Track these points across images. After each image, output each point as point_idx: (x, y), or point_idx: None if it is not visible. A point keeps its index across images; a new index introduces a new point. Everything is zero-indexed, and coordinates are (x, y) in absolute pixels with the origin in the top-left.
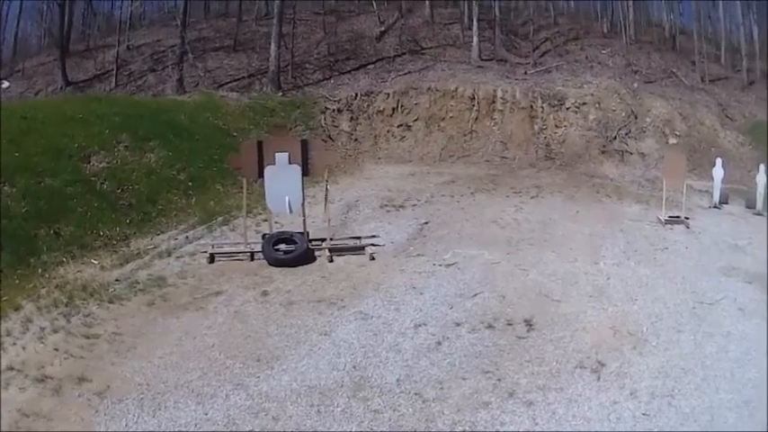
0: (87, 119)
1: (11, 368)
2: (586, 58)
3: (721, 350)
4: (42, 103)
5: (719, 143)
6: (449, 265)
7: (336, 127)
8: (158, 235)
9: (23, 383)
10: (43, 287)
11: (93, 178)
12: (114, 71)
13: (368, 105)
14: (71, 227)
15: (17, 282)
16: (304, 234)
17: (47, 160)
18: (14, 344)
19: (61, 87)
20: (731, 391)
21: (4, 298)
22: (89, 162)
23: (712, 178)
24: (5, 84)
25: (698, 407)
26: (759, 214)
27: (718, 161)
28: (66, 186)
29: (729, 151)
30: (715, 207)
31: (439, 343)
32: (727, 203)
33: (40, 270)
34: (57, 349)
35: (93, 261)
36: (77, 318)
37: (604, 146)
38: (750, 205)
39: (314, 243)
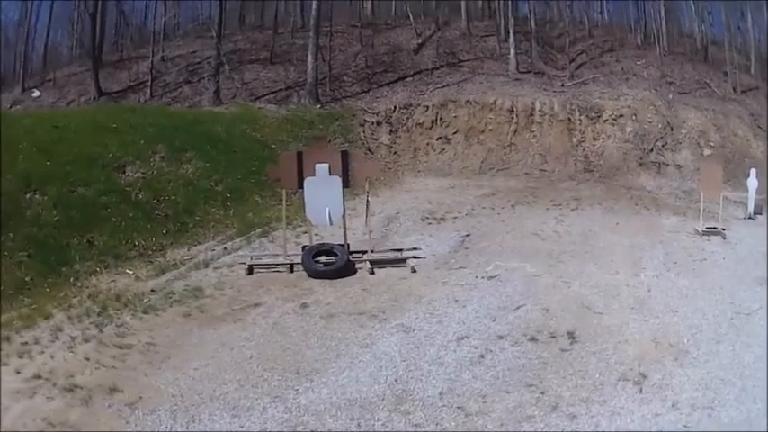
0: (121, 129)
1: (38, 376)
2: (622, 69)
3: (759, 359)
4: (75, 112)
5: (752, 153)
6: (491, 277)
7: (375, 140)
8: (195, 246)
9: (51, 393)
10: (75, 296)
11: (127, 188)
12: (149, 82)
13: (407, 118)
14: (105, 236)
15: (48, 290)
16: (344, 246)
17: (79, 169)
18: (42, 352)
19: (94, 98)
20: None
21: (33, 306)
22: (124, 172)
23: (747, 189)
24: (36, 93)
25: (736, 417)
26: None
27: (753, 171)
28: (99, 196)
29: (762, 161)
30: (750, 218)
31: (482, 356)
32: (761, 214)
33: (71, 279)
34: (87, 359)
35: (127, 271)
36: (110, 327)
37: (641, 158)
38: None
39: (354, 255)
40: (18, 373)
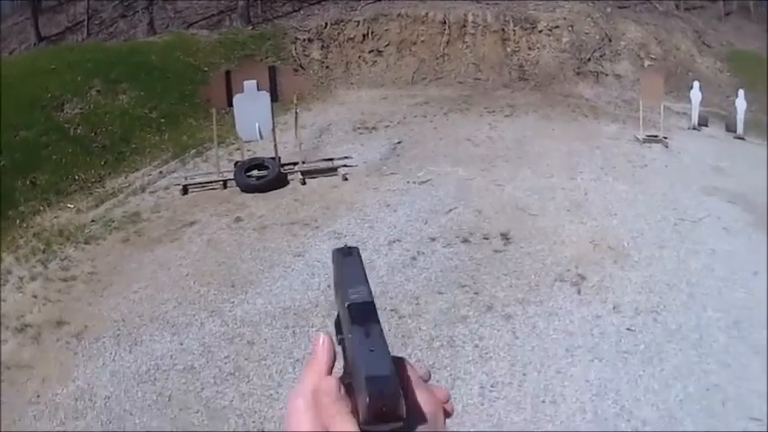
0: (59, 69)
1: None
2: None
3: (706, 268)
4: (16, 59)
5: (696, 69)
6: (423, 182)
7: (308, 56)
8: (133, 173)
9: (5, 335)
10: (21, 237)
11: (66, 125)
12: (85, 21)
13: (338, 33)
14: (46, 175)
15: None
16: (276, 159)
17: (21, 113)
18: None
19: (35, 44)
20: (720, 310)
21: None
22: (62, 110)
23: (690, 101)
24: None
25: (685, 324)
26: (740, 138)
27: (696, 84)
28: (40, 136)
29: (707, 77)
30: (694, 129)
31: (414, 258)
32: (706, 126)
33: (17, 221)
34: (35, 296)
35: (68, 206)
36: (54, 262)
37: (579, 67)
38: (730, 129)
39: (286, 167)
40: None
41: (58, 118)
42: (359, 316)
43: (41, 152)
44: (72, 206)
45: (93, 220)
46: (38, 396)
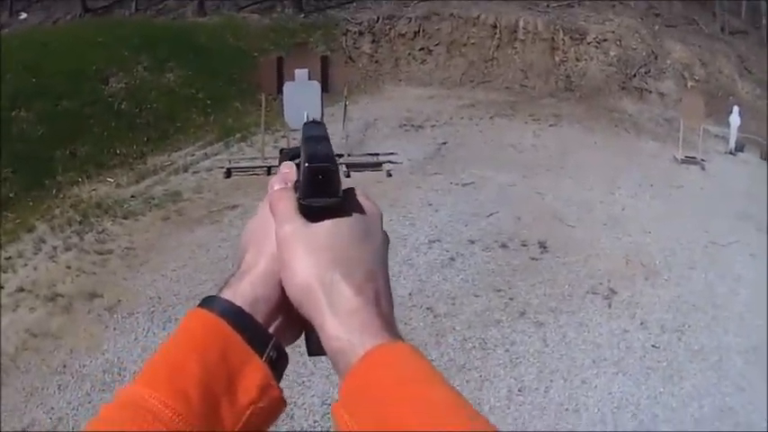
0: (106, 42)
1: (21, 289)
2: None
3: (732, 292)
4: (61, 29)
5: (737, 93)
6: (465, 184)
7: (357, 48)
8: (176, 152)
9: (33, 303)
10: (57, 207)
11: (110, 99)
12: None
13: (389, 29)
14: (87, 147)
15: (31, 204)
16: None
17: (64, 83)
18: (26, 265)
19: (80, 15)
20: (740, 335)
21: (17, 220)
22: (107, 83)
23: (728, 125)
24: (23, 15)
25: (707, 345)
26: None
27: (735, 109)
28: (83, 108)
29: (747, 102)
30: (730, 153)
31: (452, 259)
32: (742, 152)
33: (54, 191)
34: (69, 267)
35: (108, 179)
36: (91, 235)
37: (624, 82)
38: (765, 156)
39: None
40: (1, 288)
41: (102, 91)
42: (313, 135)
43: (83, 124)
44: (112, 180)
45: (132, 196)
46: (64, 366)
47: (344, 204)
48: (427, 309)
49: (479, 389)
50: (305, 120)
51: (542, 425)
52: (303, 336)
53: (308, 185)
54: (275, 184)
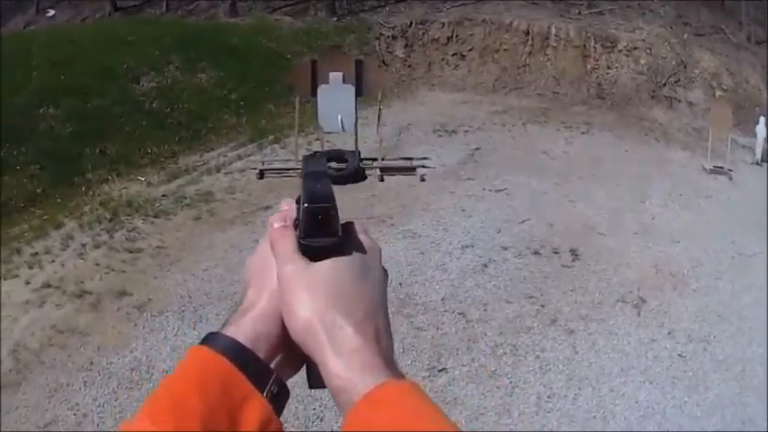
0: (137, 41)
1: (47, 285)
2: (639, 5)
3: (757, 303)
4: (91, 27)
5: (764, 103)
6: (498, 190)
7: (391, 53)
8: (208, 152)
9: (60, 300)
10: (86, 205)
11: (141, 98)
12: None
13: (423, 33)
14: (117, 145)
15: (59, 201)
16: (355, 153)
17: (94, 81)
18: (53, 261)
19: (109, 13)
20: (763, 345)
21: (45, 217)
22: (138, 83)
23: (755, 135)
24: (51, 12)
25: (732, 356)
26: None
27: (762, 119)
28: (113, 106)
29: None
30: (757, 164)
31: (485, 265)
32: None
33: (83, 188)
34: (98, 264)
35: (139, 178)
36: (121, 233)
37: (654, 91)
38: None
39: (365, 162)
40: (27, 283)
41: (133, 90)
42: (312, 171)
43: (114, 122)
44: (142, 179)
45: (164, 195)
46: (91, 363)
47: (344, 243)
48: (459, 314)
49: (509, 395)
50: (339, 124)
51: None
52: (304, 368)
53: (308, 225)
54: (275, 222)
